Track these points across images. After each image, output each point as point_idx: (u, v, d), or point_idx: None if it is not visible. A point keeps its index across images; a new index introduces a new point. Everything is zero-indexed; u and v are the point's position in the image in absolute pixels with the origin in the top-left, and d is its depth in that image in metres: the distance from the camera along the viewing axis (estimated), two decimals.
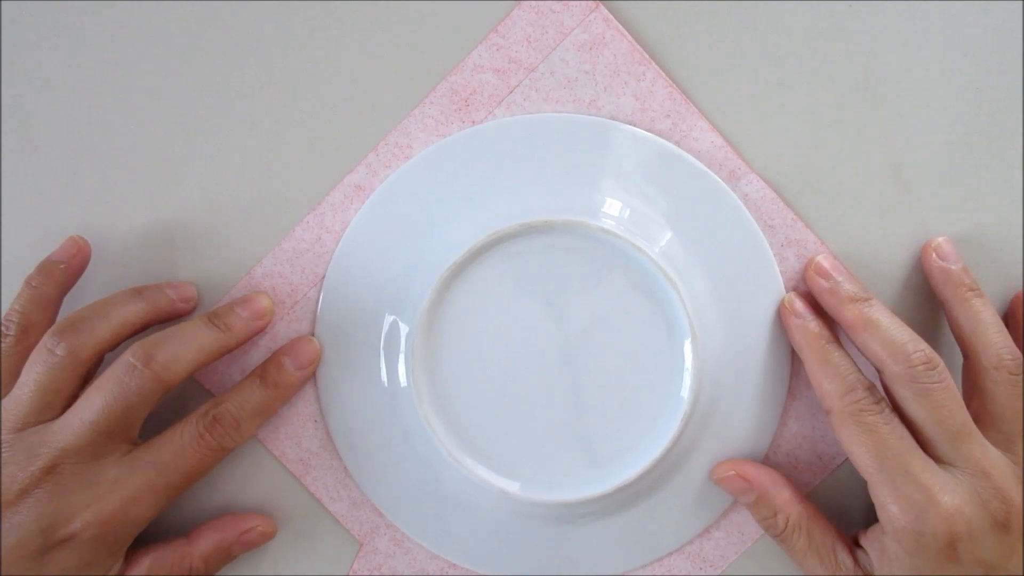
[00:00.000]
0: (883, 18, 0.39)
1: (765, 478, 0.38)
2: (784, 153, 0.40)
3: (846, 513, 0.41)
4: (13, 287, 0.39)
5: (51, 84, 0.40)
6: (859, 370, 0.37)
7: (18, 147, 0.40)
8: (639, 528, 0.40)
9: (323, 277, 0.40)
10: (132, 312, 0.38)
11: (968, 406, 0.37)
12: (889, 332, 0.36)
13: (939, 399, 0.35)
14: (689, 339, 0.38)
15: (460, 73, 0.40)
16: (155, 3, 0.40)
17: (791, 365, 0.40)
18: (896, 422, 0.36)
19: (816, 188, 0.40)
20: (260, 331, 0.40)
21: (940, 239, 0.39)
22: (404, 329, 0.39)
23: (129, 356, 0.36)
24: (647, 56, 0.39)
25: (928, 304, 0.40)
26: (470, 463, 0.38)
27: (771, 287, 0.40)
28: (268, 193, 0.40)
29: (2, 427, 0.36)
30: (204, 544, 0.39)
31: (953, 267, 0.39)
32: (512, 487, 0.38)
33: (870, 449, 0.35)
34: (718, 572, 0.41)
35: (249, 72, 0.40)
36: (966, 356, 0.38)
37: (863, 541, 0.37)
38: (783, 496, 0.38)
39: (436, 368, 0.38)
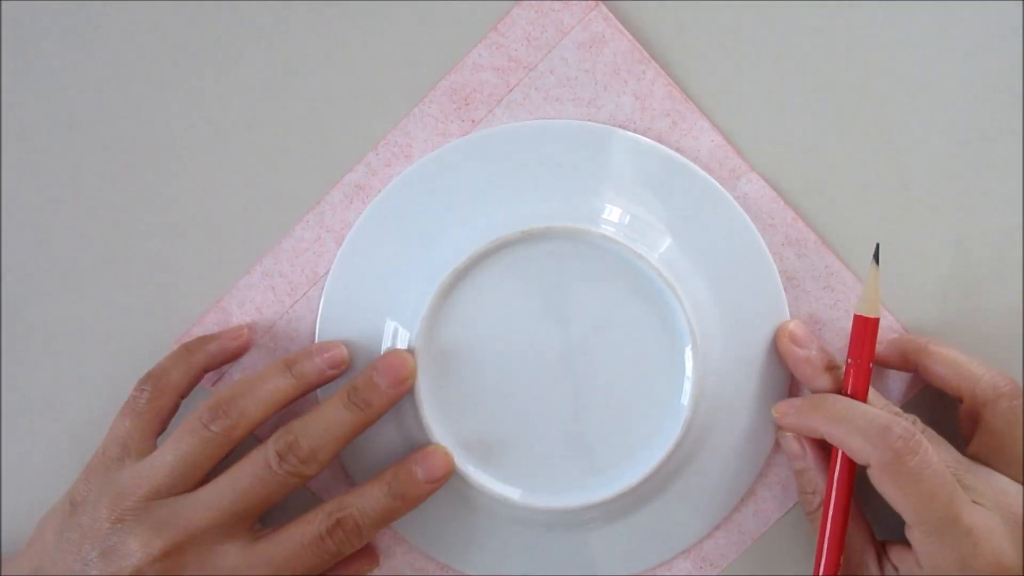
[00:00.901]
0: (883, 18, 0.39)
1: (821, 455, 0.38)
2: (784, 153, 0.40)
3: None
4: (13, 287, 0.39)
5: (51, 84, 0.40)
6: (890, 406, 0.37)
7: (18, 147, 0.40)
8: (641, 534, 0.40)
9: (323, 276, 0.40)
10: (283, 391, 0.37)
11: (971, 443, 0.37)
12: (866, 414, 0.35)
13: (926, 478, 0.34)
14: (689, 345, 0.37)
15: (460, 72, 0.40)
16: (155, 3, 0.40)
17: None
18: (935, 455, 0.34)
19: (816, 188, 0.40)
20: (399, 399, 0.38)
21: (791, 324, 0.39)
22: (405, 336, 0.39)
23: (273, 448, 0.35)
24: (647, 55, 0.39)
25: (929, 304, 0.41)
26: (471, 470, 0.38)
27: (771, 292, 0.40)
28: (268, 192, 0.40)
29: (134, 493, 0.35)
30: None
31: (814, 353, 0.38)
32: (513, 494, 0.38)
33: (914, 501, 0.34)
34: (718, 572, 0.41)
35: (249, 72, 0.40)
36: (960, 399, 0.38)
37: (894, 557, 0.36)
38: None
39: (437, 374, 0.38)
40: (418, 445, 0.39)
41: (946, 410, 0.39)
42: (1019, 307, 0.40)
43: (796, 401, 0.38)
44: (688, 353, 0.38)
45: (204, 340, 0.39)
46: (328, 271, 0.40)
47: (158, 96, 0.40)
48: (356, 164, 0.40)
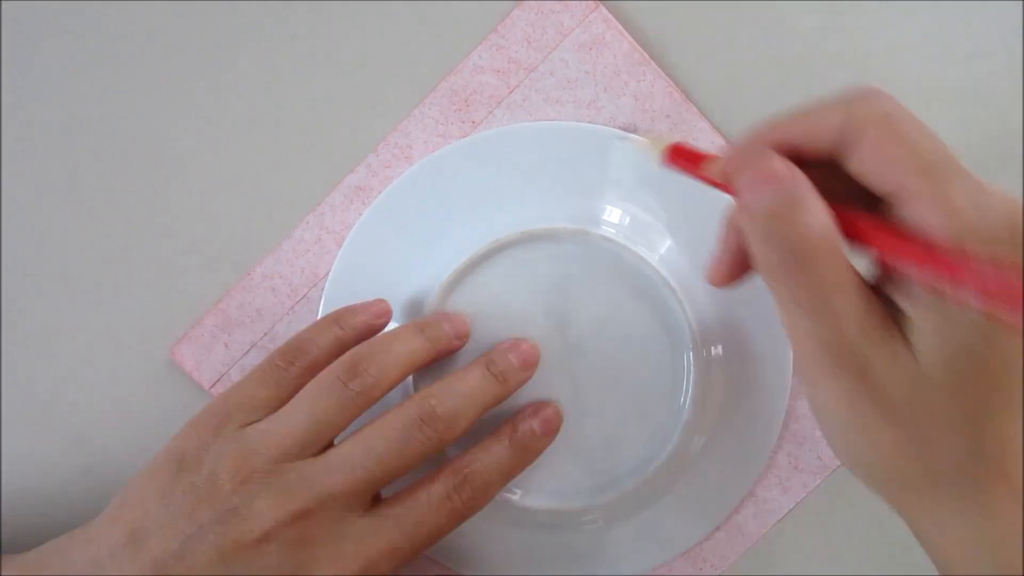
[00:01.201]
0: (883, 18, 0.39)
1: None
2: None
3: (851, 514, 0.41)
4: (14, 286, 0.39)
5: (51, 84, 0.40)
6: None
7: (18, 147, 0.40)
8: (641, 535, 0.40)
9: (323, 278, 0.40)
10: (417, 352, 0.36)
11: None
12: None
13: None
14: (690, 346, 0.37)
15: (460, 74, 0.40)
16: (155, 3, 0.40)
17: (791, 367, 0.40)
18: None
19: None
20: (527, 381, 0.38)
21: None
22: None
23: (416, 411, 0.34)
24: (647, 56, 0.39)
25: None
26: None
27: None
28: (268, 193, 0.40)
29: (261, 454, 0.33)
30: None
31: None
32: (514, 496, 0.38)
33: (896, 153, 0.26)
34: (718, 572, 0.41)
35: (249, 73, 0.40)
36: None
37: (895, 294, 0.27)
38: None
39: (438, 376, 0.38)
40: None
41: None
42: None
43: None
44: (688, 354, 0.38)
45: (351, 312, 0.37)
46: (328, 272, 0.40)
47: (158, 97, 0.40)
48: (356, 165, 0.40)
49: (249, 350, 0.41)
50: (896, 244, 0.26)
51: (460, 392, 0.35)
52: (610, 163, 0.39)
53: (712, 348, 0.38)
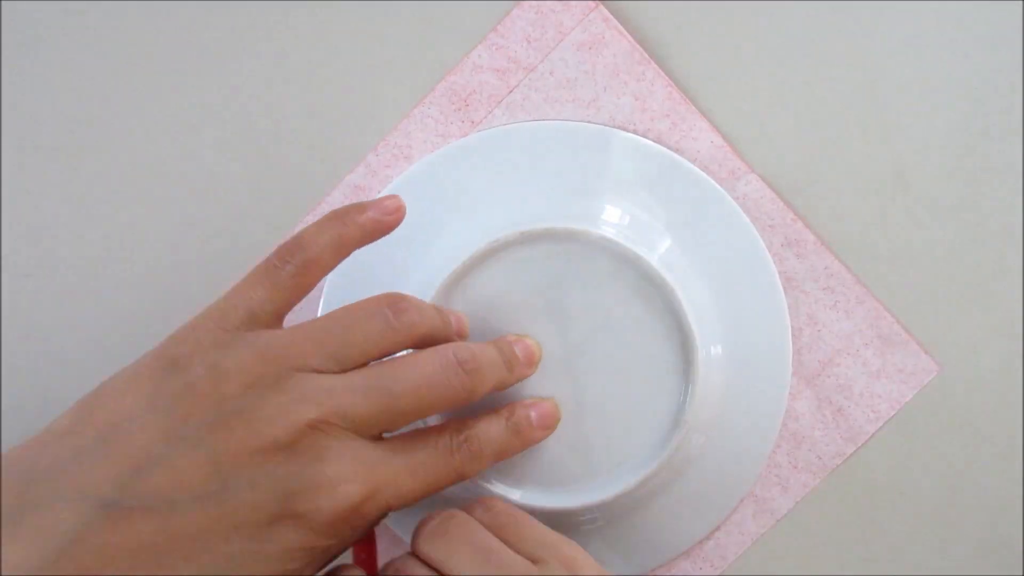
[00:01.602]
0: (883, 18, 0.39)
1: None
2: (784, 153, 0.40)
3: (851, 514, 0.41)
4: (14, 286, 0.39)
5: (51, 84, 0.40)
6: None
7: (18, 147, 0.40)
8: (641, 535, 0.40)
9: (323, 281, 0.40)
10: (441, 325, 0.34)
11: None
12: None
13: None
14: (690, 346, 0.37)
15: (459, 73, 0.40)
16: (155, 3, 0.40)
17: (791, 367, 0.40)
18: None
19: (816, 188, 0.40)
20: (527, 376, 0.38)
21: None
22: None
23: (451, 356, 0.32)
24: (647, 56, 0.39)
25: (929, 305, 0.41)
26: None
27: (771, 293, 0.40)
28: (268, 193, 0.40)
29: (275, 359, 0.30)
30: None
31: None
32: (514, 495, 0.38)
33: None
34: (718, 572, 0.41)
35: (248, 72, 0.40)
36: None
37: None
38: None
39: None
40: None
41: (941, 420, 0.39)
42: (1019, 307, 0.40)
43: None
44: (688, 354, 0.38)
45: (357, 209, 0.33)
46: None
47: (158, 97, 0.40)
48: (356, 165, 0.40)
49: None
50: None
51: (484, 357, 0.34)
52: (610, 163, 0.39)
53: (712, 348, 0.38)
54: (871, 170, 0.40)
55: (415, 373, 0.31)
